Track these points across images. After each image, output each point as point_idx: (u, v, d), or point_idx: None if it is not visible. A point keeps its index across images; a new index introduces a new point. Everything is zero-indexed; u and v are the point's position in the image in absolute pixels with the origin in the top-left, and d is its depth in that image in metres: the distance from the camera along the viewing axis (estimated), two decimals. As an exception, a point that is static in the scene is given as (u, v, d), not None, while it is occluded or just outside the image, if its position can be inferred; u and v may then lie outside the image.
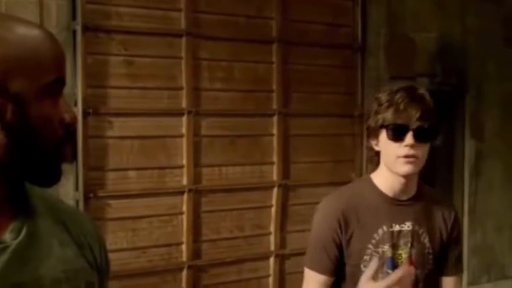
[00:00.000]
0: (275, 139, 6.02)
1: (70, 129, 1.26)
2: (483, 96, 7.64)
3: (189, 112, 5.56)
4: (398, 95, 2.35)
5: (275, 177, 6.04)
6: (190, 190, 5.58)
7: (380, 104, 2.38)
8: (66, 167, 1.31)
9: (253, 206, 5.96)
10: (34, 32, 1.24)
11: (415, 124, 2.32)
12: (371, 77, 6.55)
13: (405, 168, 2.34)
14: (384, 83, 6.58)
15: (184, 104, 5.55)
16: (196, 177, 5.63)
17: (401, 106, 2.33)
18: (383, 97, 2.39)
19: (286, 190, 6.10)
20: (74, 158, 5.00)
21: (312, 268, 2.48)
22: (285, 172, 6.09)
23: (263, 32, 5.98)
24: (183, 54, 5.54)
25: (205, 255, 5.75)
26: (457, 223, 2.55)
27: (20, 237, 1.23)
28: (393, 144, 2.34)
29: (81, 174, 5.10)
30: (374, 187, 2.45)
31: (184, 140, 5.56)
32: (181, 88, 5.55)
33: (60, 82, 1.25)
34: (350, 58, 6.53)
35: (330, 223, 2.41)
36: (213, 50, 5.72)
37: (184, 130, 5.55)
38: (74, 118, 1.27)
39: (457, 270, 2.59)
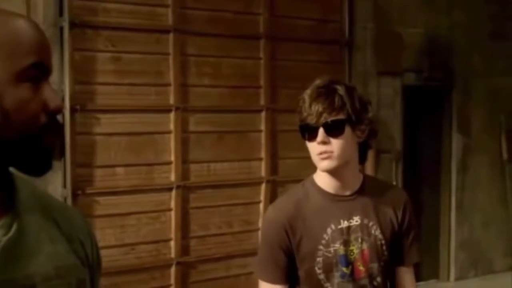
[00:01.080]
0: (263, 135, 6.03)
1: (54, 116, 1.24)
2: (470, 91, 7.67)
3: (177, 108, 5.55)
4: (306, 93, 2.36)
5: (263, 173, 6.05)
6: (178, 187, 5.58)
7: (299, 104, 2.39)
8: (54, 163, 1.30)
9: (241, 202, 5.96)
10: (12, 18, 1.24)
11: (321, 120, 2.30)
12: (359, 72, 6.57)
13: (323, 164, 2.34)
14: (371, 78, 6.61)
15: (172, 100, 5.55)
16: (184, 174, 5.63)
17: (306, 104, 2.34)
18: (302, 95, 2.39)
19: (274, 186, 6.11)
20: (62, 154, 4.99)
21: (264, 279, 2.44)
22: (273, 168, 6.10)
23: (251, 28, 5.98)
24: (170, 50, 5.54)
25: (193, 252, 5.74)
26: (407, 211, 2.50)
27: (11, 233, 1.22)
28: (309, 143, 2.35)
29: (69, 171, 5.09)
30: (316, 187, 2.44)
31: (172, 136, 5.55)
32: (168, 84, 5.54)
33: (39, 66, 1.24)
34: (337, 53, 6.54)
35: (277, 231, 2.38)
36: (200, 46, 5.71)
37: (172, 126, 5.55)
38: (59, 105, 1.25)
39: (409, 259, 2.53)
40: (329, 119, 2.30)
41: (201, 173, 5.75)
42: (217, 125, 5.82)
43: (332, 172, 2.36)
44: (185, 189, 5.66)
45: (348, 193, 2.42)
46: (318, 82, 2.40)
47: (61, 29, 5.07)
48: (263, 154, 6.05)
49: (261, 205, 6.06)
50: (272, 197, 6.07)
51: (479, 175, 7.80)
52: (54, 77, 1.20)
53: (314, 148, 2.33)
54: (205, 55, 5.75)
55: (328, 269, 2.36)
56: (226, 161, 5.88)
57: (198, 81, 5.72)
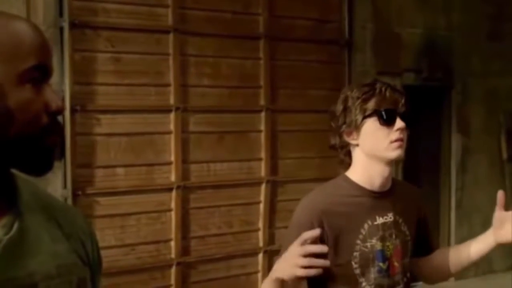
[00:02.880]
0: (262, 135, 6.04)
1: (55, 117, 1.26)
2: (469, 91, 7.68)
3: (177, 109, 5.56)
4: (377, 86, 2.40)
5: (263, 173, 6.05)
6: (178, 187, 5.59)
7: (357, 98, 2.39)
8: (54, 164, 1.31)
9: (241, 202, 5.97)
10: (13, 21, 1.25)
11: (401, 109, 2.38)
12: (358, 72, 6.57)
13: (397, 152, 2.38)
14: (371, 78, 6.60)
15: (172, 100, 5.56)
16: (184, 174, 5.64)
17: (387, 94, 2.38)
18: (356, 93, 2.41)
19: (274, 186, 6.11)
20: (62, 155, 5.00)
21: None
22: (273, 168, 6.10)
23: (250, 28, 5.99)
24: (170, 51, 5.54)
25: (193, 252, 5.75)
26: (423, 204, 2.65)
27: (12, 232, 1.23)
28: (385, 130, 2.36)
29: (69, 171, 5.10)
30: (352, 183, 2.45)
31: (172, 136, 5.56)
32: (168, 85, 5.55)
33: (41, 68, 1.25)
34: (337, 53, 6.55)
35: (312, 217, 2.34)
36: (200, 47, 5.72)
37: (172, 127, 5.55)
38: (60, 106, 1.26)
39: (436, 243, 2.72)
40: (408, 110, 2.39)
41: (201, 174, 5.76)
42: (217, 126, 5.83)
43: (391, 164, 2.43)
44: (185, 190, 5.67)
45: (384, 190, 2.46)
46: (375, 79, 2.50)
47: (61, 29, 5.08)
48: (263, 154, 6.05)
49: (261, 205, 6.07)
50: (272, 197, 6.09)
51: (478, 174, 7.81)
52: (54, 78, 1.21)
53: (389, 135, 2.37)
54: (205, 55, 5.76)
55: (365, 264, 2.37)
56: (226, 161, 5.88)
57: (198, 81, 5.73)
